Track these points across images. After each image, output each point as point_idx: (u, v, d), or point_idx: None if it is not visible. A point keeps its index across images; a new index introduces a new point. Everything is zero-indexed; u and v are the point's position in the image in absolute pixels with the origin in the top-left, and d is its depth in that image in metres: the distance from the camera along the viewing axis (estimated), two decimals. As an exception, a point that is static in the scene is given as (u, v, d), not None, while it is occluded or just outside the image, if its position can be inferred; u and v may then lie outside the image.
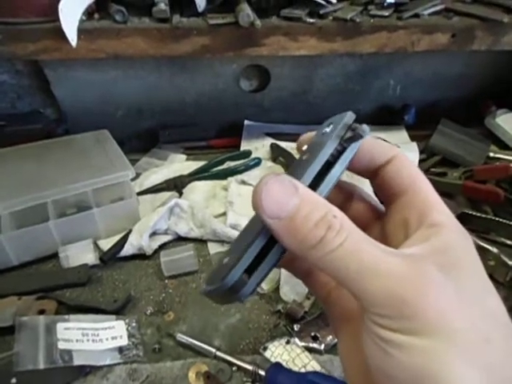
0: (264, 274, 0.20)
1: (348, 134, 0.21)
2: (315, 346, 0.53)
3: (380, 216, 0.25)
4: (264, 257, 0.20)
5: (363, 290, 0.18)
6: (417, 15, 0.75)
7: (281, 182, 0.18)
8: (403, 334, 0.17)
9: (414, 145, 0.90)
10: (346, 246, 0.18)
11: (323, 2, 0.71)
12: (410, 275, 0.18)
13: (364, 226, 0.22)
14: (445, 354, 0.17)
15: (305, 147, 0.23)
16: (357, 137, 0.21)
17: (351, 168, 0.23)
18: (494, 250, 0.64)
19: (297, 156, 0.24)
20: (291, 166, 0.23)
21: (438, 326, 0.17)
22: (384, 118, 1.00)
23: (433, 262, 0.18)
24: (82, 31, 0.64)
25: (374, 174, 0.23)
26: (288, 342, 0.54)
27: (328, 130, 0.22)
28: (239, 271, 0.19)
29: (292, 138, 0.93)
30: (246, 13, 0.66)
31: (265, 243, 0.20)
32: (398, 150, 0.22)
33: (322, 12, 0.71)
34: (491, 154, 0.87)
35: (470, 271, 0.19)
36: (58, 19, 0.61)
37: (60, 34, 0.62)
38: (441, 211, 0.21)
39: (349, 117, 0.22)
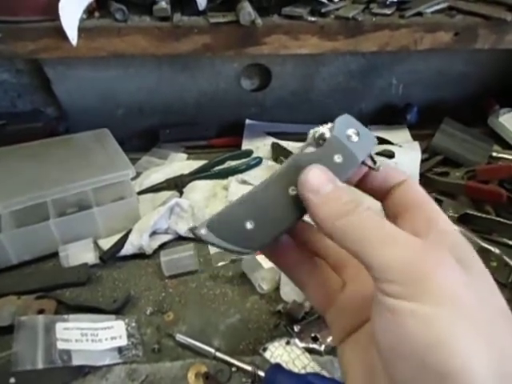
0: None
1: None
2: (315, 346, 0.53)
3: None
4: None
5: (378, 257, 0.19)
6: (419, 13, 0.74)
7: (323, 170, 0.23)
8: (413, 301, 0.18)
9: (417, 144, 0.89)
10: (370, 219, 0.21)
11: (325, 1, 0.71)
12: (426, 249, 0.20)
13: None
14: (453, 324, 0.17)
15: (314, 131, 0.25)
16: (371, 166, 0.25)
17: (367, 188, 0.26)
18: (497, 250, 0.64)
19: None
20: (310, 151, 0.25)
21: (447, 297, 0.18)
22: (386, 117, 0.99)
23: (449, 251, 0.20)
24: (82, 30, 0.64)
25: (386, 193, 0.26)
26: (288, 343, 0.53)
27: (355, 139, 0.25)
28: (269, 245, 0.24)
29: (293, 137, 0.92)
30: (247, 11, 0.66)
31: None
32: (408, 175, 0.25)
33: (323, 10, 0.71)
34: (494, 154, 0.87)
35: (479, 272, 0.20)
36: (58, 18, 0.61)
37: (60, 33, 0.62)
38: (447, 221, 0.22)
39: (374, 143, 0.25)
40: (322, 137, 0.25)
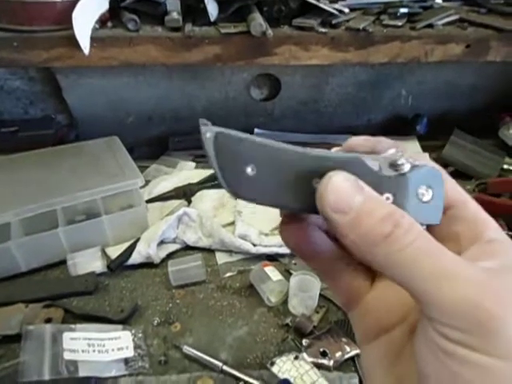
0: None
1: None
2: (324, 362, 0.52)
3: None
4: None
5: (435, 295, 0.16)
6: (431, 25, 0.74)
7: (347, 178, 0.18)
8: (478, 353, 0.15)
9: (426, 156, 0.88)
10: (419, 245, 0.16)
11: (335, 12, 0.71)
12: (494, 286, 0.16)
13: None
14: None
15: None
16: None
17: None
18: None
19: None
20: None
21: None
22: (395, 127, 0.98)
23: None
24: (94, 39, 0.65)
25: None
26: (296, 358, 0.52)
27: (424, 198, 0.20)
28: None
29: (302, 146, 0.92)
30: (258, 22, 0.66)
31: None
32: (439, 167, 0.21)
33: (334, 22, 0.71)
34: (505, 166, 0.86)
35: None
36: (71, 27, 0.61)
37: (73, 42, 0.63)
38: (494, 227, 0.19)
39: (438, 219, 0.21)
40: (396, 166, 0.20)
